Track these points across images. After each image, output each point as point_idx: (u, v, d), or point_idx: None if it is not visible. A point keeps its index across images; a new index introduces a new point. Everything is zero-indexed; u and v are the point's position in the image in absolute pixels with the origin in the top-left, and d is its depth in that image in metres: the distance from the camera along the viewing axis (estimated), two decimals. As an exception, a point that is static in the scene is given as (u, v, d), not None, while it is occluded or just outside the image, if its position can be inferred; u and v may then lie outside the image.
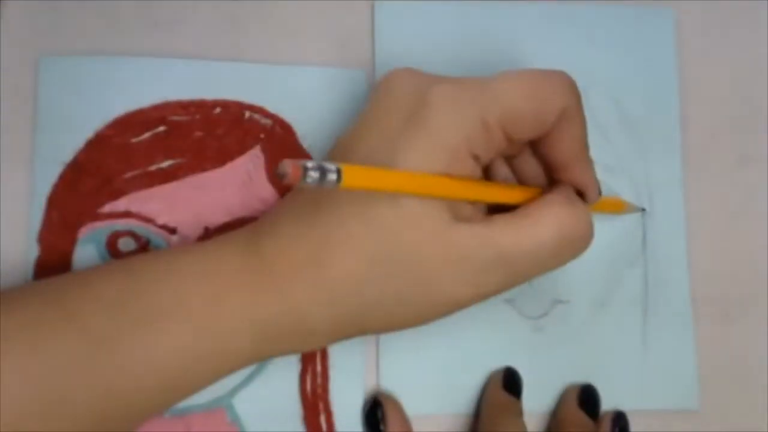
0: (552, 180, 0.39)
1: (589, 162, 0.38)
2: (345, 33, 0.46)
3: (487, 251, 0.34)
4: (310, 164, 0.28)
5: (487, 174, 0.39)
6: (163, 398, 0.35)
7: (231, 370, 0.36)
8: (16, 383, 0.32)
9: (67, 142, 0.42)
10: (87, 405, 0.33)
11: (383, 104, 0.36)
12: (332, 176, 0.29)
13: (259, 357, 0.37)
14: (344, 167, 0.30)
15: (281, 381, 0.42)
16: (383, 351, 0.43)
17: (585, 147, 0.38)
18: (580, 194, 0.38)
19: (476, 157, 0.35)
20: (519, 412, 0.42)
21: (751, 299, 0.47)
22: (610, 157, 0.46)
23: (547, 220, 0.35)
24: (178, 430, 0.41)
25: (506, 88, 0.35)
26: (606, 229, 0.45)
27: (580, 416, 0.42)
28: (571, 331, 0.45)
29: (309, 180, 0.28)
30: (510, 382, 0.43)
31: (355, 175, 0.30)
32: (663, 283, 0.46)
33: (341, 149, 0.37)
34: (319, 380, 0.42)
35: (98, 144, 0.42)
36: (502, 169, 0.40)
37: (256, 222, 0.38)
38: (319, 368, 0.42)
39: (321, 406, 0.42)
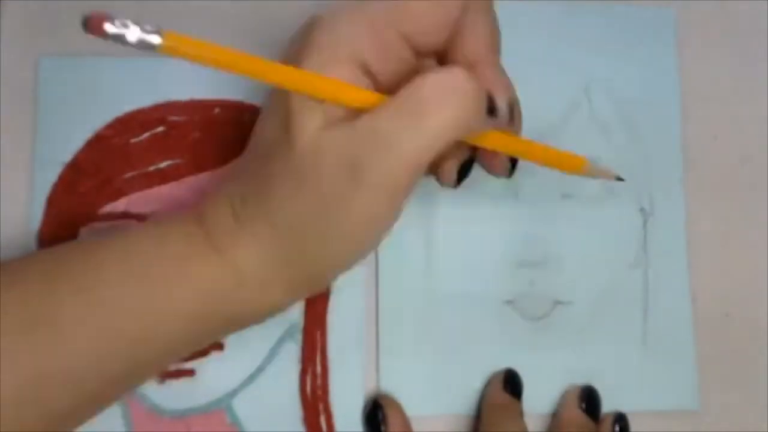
0: None
1: (499, 67, 0.36)
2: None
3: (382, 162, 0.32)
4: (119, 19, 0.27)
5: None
6: (118, 382, 0.35)
7: (194, 344, 0.36)
8: (13, 360, 0.32)
9: (66, 143, 0.42)
10: (39, 388, 0.33)
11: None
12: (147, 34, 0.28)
13: (219, 327, 0.36)
14: (165, 31, 0.28)
15: (281, 382, 0.42)
16: (383, 351, 0.43)
17: (495, 49, 0.36)
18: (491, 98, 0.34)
19: (368, 70, 0.33)
20: (519, 413, 0.42)
21: (751, 299, 0.47)
22: (610, 157, 0.46)
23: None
24: (179, 431, 0.41)
25: None
26: (606, 230, 0.45)
27: (581, 417, 0.42)
28: (571, 332, 0.44)
29: (111, 31, 0.27)
30: (510, 382, 0.43)
31: (175, 39, 0.29)
32: (663, 283, 0.46)
33: None
34: (319, 381, 0.42)
35: (98, 144, 0.42)
36: None
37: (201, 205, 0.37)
38: (319, 369, 0.42)
39: (321, 406, 0.42)
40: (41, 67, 0.43)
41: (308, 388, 0.42)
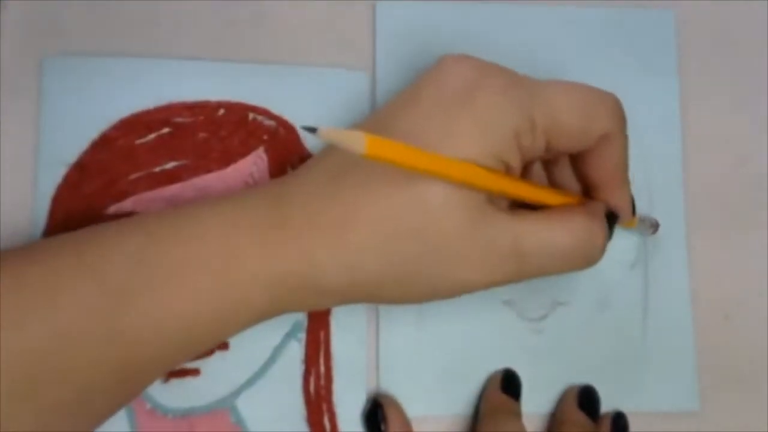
0: (586, 193, 0.40)
1: (625, 185, 0.39)
2: (346, 34, 0.46)
3: (506, 239, 0.35)
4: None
5: (523, 174, 0.39)
6: (181, 351, 0.36)
7: (247, 324, 0.36)
8: (36, 334, 0.32)
9: (70, 144, 0.42)
10: (105, 356, 0.33)
11: (434, 83, 0.36)
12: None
13: (273, 312, 0.36)
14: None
15: (285, 382, 0.42)
16: (383, 352, 0.43)
17: (623, 171, 0.39)
18: (612, 213, 0.39)
19: (519, 149, 0.35)
20: (518, 414, 0.42)
21: (751, 299, 0.47)
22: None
23: (566, 226, 0.36)
24: (182, 431, 0.41)
25: (557, 95, 0.35)
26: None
27: (580, 417, 0.42)
28: (571, 333, 0.45)
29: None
30: (509, 383, 0.43)
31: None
32: (663, 283, 0.46)
33: (378, 122, 0.37)
34: (322, 381, 0.42)
35: (103, 145, 0.43)
36: (538, 173, 0.40)
37: (282, 177, 0.38)
38: (322, 369, 0.42)
39: (324, 406, 0.42)
40: (45, 68, 0.43)
41: (312, 388, 0.42)
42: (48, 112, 0.43)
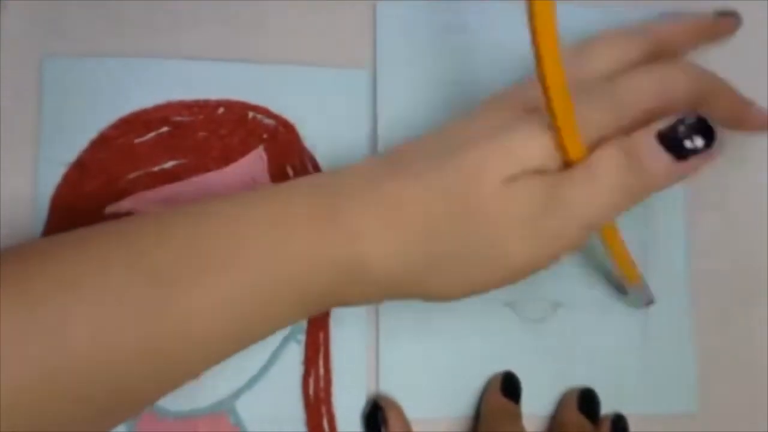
0: None
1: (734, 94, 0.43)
2: (347, 33, 0.46)
3: (544, 194, 0.35)
4: None
5: None
6: (230, 344, 0.35)
7: (297, 317, 0.36)
8: (87, 329, 0.32)
9: (70, 143, 0.42)
10: (157, 350, 0.33)
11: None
12: None
13: (320, 303, 0.36)
14: None
15: (284, 384, 0.42)
16: (383, 354, 0.43)
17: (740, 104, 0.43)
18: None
19: None
20: (518, 416, 0.42)
21: (751, 299, 0.47)
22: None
23: (601, 167, 0.36)
24: (182, 432, 0.41)
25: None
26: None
27: (580, 419, 0.43)
28: (571, 334, 0.45)
29: None
30: (509, 386, 0.43)
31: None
32: (663, 284, 0.46)
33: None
34: (321, 383, 0.42)
35: (102, 144, 0.42)
36: None
37: (331, 170, 0.39)
38: (321, 371, 0.42)
39: (323, 409, 0.42)
40: (45, 68, 0.43)
41: (311, 391, 0.42)
42: (48, 111, 0.43)
